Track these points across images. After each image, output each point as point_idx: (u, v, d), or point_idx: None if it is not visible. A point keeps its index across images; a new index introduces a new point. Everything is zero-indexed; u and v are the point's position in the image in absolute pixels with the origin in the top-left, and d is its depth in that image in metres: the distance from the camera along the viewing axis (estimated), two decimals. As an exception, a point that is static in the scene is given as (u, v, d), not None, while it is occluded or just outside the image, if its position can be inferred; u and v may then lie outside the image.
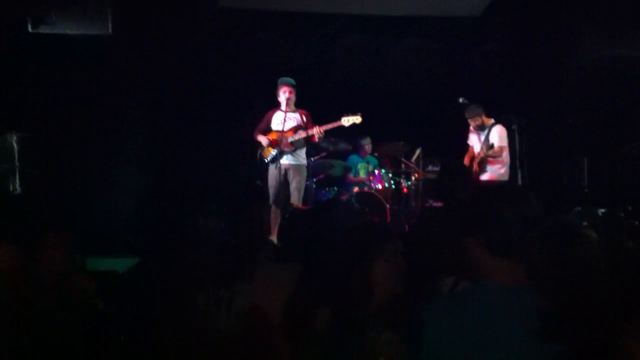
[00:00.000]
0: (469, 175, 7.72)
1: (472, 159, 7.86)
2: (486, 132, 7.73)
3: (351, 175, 9.13)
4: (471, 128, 7.97)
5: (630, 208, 6.82)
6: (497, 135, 7.65)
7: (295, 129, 7.58)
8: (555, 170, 8.81)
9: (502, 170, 7.68)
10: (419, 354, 2.17)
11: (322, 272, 2.85)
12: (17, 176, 7.05)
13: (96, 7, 5.86)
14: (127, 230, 7.78)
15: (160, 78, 8.81)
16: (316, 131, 7.46)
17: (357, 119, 7.62)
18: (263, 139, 7.60)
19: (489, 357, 2.04)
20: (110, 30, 5.93)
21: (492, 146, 7.58)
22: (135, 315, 2.96)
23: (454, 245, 2.57)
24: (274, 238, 7.06)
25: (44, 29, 5.88)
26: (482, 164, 7.67)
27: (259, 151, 7.76)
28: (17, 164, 7.07)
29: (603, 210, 6.34)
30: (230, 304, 2.99)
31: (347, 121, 7.60)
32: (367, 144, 9.22)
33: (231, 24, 8.97)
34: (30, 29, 5.85)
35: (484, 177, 7.63)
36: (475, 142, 7.88)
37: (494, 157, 7.60)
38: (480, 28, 9.27)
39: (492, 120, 7.81)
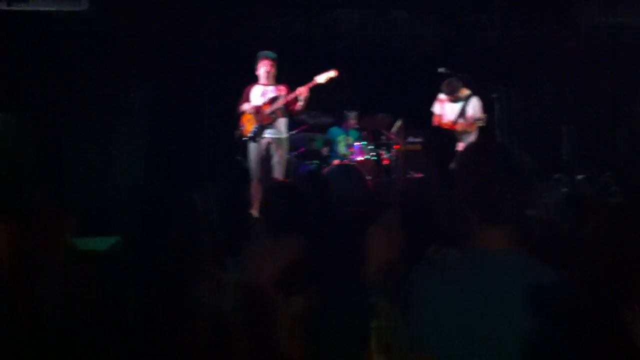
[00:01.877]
0: (455, 142, 7.72)
1: (441, 124, 7.91)
2: (462, 103, 7.76)
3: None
4: (440, 96, 7.98)
5: (609, 174, 6.90)
6: (479, 107, 7.70)
7: (272, 100, 7.53)
8: (534, 138, 8.86)
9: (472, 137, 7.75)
10: (412, 318, 2.17)
11: (307, 245, 2.86)
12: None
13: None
14: (110, 209, 7.77)
15: (139, 55, 8.73)
16: (299, 91, 7.38)
17: (332, 74, 7.52)
18: (247, 106, 7.55)
19: (480, 319, 2.06)
20: (87, 6, 5.84)
21: (480, 119, 7.60)
22: (120, 297, 2.96)
23: (441, 214, 2.59)
24: (255, 212, 7.10)
25: (18, 6, 5.79)
26: (458, 135, 7.71)
27: (239, 128, 7.73)
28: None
29: (581, 176, 6.41)
30: (217, 280, 3.00)
31: (322, 78, 7.52)
32: (352, 117, 9.21)
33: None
34: (5, 6, 5.76)
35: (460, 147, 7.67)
36: (447, 111, 7.90)
37: (470, 130, 7.65)
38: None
39: (469, 91, 7.84)
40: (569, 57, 8.69)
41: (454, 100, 7.82)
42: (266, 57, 7.60)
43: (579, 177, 6.41)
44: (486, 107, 7.81)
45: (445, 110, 7.94)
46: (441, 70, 7.89)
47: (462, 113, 7.74)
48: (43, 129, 7.66)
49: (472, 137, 7.70)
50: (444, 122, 7.87)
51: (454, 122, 7.75)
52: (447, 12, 9.41)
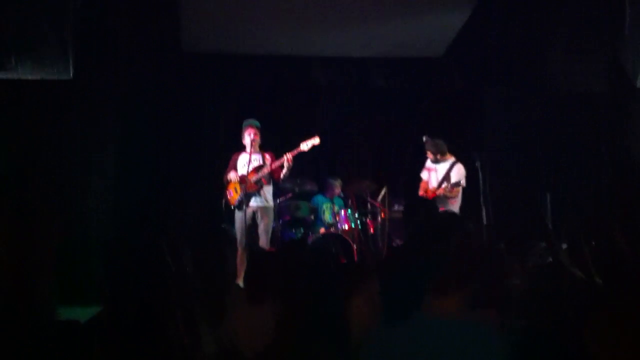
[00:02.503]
0: (434, 211, 7.76)
1: (426, 192, 7.95)
2: (447, 168, 7.83)
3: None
4: (427, 164, 8.07)
5: (594, 243, 6.89)
6: (462, 174, 7.77)
7: (257, 169, 7.56)
8: (518, 207, 8.89)
9: (456, 209, 7.77)
10: None
11: (289, 315, 2.82)
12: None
13: (57, 51, 5.82)
14: (91, 276, 7.65)
15: (124, 123, 8.77)
16: (285, 159, 7.44)
17: (315, 141, 7.62)
18: (232, 175, 7.57)
19: None
20: (71, 75, 5.87)
21: (458, 184, 7.66)
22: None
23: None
24: (240, 282, 7.01)
25: (3, 74, 5.82)
26: (440, 200, 7.74)
27: (225, 196, 7.73)
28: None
29: (566, 245, 6.40)
30: (198, 349, 2.93)
31: (306, 145, 7.60)
32: (337, 185, 9.16)
33: (195, 68, 9.00)
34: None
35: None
36: (431, 177, 7.97)
37: (452, 196, 7.69)
38: (442, 68, 9.43)
39: (453, 158, 7.92)
40: (549, 123, 8.82)
41: (437, 161, 7.91)
42: (251, 126, 7.67)
43: (564, 246, 6.40)
44: (470, 174, 7.86)
45: (432, 177, 8.00)
46: (425, 138, 7.97)
47: (446, 178, 7.80)
48: (25, 194, 7.59)
49: (455, 202, 7.74)
50: (430, 189, 7.91)
51: (438, 187, 7.81)
52: (429, 81, 9.59)
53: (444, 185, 7.78)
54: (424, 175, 8.14)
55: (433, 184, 7.93)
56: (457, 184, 7.67)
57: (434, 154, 7.94)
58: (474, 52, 9.13)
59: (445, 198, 7.73)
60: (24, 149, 7.44)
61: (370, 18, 8.16)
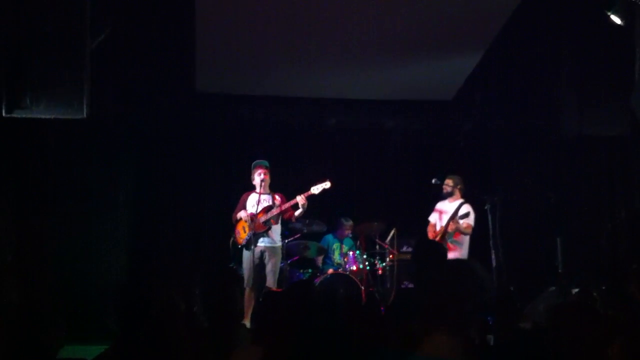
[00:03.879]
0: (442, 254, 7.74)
1: (434, 233, 7.95)
2: (455, 208, 7.83)
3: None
4: (437, 206, 8.08)
5: (604, 288, 6.84)
6: (467, 212, 7.77)
7: (266, 209, 7.59)
8: (528, 250, 8.86)
9: (464, 251, 7.75)
10: None
11: (296, 356, 2.80)
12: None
13: (72, 91, 5.88)
14: (100, 314, 7.65)
15: (138, 163, 8.86)
16: (299, 199, 7.48)
17: (326, 185, 7.66)
18: (242, 214, 7.59)
19: None
20: (85, 115, 5.93)
21: (467, 214, 7.66)
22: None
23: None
24: (247, 322, 6.98)
25: (18, 113, 5.88)
26: (447, 240, 7.72)
27: (233, 235, 7.74)
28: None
29: (577, 290, 6.36)
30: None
31: (317, 189, 7.64)
32: (348, 226, 9.15)
33: (209, 107, 9.09)
34: (3, 113, 5.83)
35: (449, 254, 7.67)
36: (442, 218, 7.97)
37: (462, 231, 7.68)
38: (452, 111, 9.48)
39: (462, 199, 7.93)
40: (560, 167, 8.83)
41: (450, 194, 7.93)
42: (260, 166, 7.72)
43: (574, 290, 6.37)
44: (479, 217, 7.85)
45: (442, 219, 8.00)
46: (434, 181, 7.98)
47: (453, 217, 7.80)
48: (39, 233, 7.66)
49: (462, 239, 7.72)
50: (438, 231, 7.90)
51: (446, 226, 7.80)
52: (440, 124, 9.63)
53: (452, 222, 7.77)
54: (432, 218, 8.14)
55: (442, 224, 7.91)
56: (466, 215, 7.66)
57: (452, 187, 7.95)
58: (484, 95, 9.18)
59: (453, 235, 7.71)
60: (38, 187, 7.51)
61: (381, 62, 8.23)
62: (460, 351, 2.13)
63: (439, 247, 6.85)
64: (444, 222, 7.94)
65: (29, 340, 3.27)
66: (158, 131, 9.08)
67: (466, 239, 7.79)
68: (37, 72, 5.85)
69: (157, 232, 9.16)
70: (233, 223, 7.74)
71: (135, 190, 8.76)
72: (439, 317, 2.14)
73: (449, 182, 8.01)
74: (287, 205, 7.58)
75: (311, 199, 7.64)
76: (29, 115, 5.90)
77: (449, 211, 7.94)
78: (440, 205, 8.12)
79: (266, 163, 7.78)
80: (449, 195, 8.02)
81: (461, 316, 2.14)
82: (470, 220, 7.76)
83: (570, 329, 2.45)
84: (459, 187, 8.00)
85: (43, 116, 5.93)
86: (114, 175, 8.44)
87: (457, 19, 7.23)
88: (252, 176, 7.75)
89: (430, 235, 8.02)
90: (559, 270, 8.26)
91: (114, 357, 3.71)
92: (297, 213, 7.63)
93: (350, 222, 9.15)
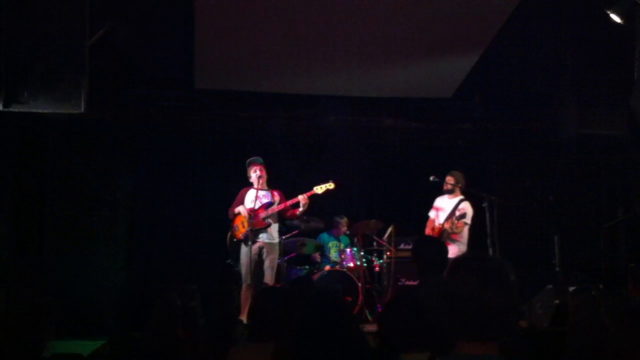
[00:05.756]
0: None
1: (433, 230, 7.95)
2: (454, 205, 7.84)
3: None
4: (435, 203, 8.08)
5: (601, 286, 6.86)
6: (469, 210, 7.77)
7: (266, 206, 7.59)
8: (526, 249, 8.86)
9: (463, 248, 7.75)
10: None
11: (293, 352, 2.80)
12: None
13: (70, 86, 5.88)
14: (98, 311, 7.67)
15: (136, 158, 8.85)
16: (300, 199, 7.49)
17: (330, 185, 7.67)
18: (242, 209, 7.60)
19: None
20: (83, 109, 5.92)
21: (463, 215, 7.66)
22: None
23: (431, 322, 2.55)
24: (244, 317, 6.98)
25: (16, 107, 5.87)
26: (445, 238, 7.73)
27: (231, 231, 7.74)
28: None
29: (574, 288, 6.37)
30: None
31: (320, 189, 7.64)
32: (343, 223, 9.19)
33: (207, 105, 9.07)
34: (1, 107, 5.83)
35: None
36: (439, 216, 7.98)
37: (455, 230, 7.68)
38: (451, 109, 9.47)
39: (461, 196, 7.93)
40: (558, 166, 8.83)
41: (451, 192, 7.93)
42: (255, 163, 7.72)
43: (571, 288, 6.37)
44: (477, 215, 7.85)
45: (439, 216, 8.01)
46: (432, 178, 7.98)
47: (452, 214, 7.81)
48: (36, 227, 7.66)
49: (459, 237, 7.72)
50: (436, 227, 7.91)
51: (443, 223, 7.81)
52: (438, 121, 9.61)
53: (449, 220, 7.78)
54: (431, 214, 8.15)
55: (440, 221, 7.92)
56: (462, 216, 7.67)
57: (452, 185, 7.95)
58: (483, 93, 9.18)
59: (450, 232, 7.72)
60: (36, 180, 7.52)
61: (380, 59, 8.22)
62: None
63: (441, 245, 6.87)
64: (441, 219, 7.95)
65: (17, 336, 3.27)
66: (155, 128, 9.08)
67: (465, 237, 7.80)
68: (36, 66, 5.85)
69: (154, 229, 9.17)
70: (230, 218, 7.74)
71: (130, 186, 8.75)
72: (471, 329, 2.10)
73: (449, 180, 8.01)
74: (288, 203, 7.58)
75: (312, 197, 7.64)
76: (27, 110, 5.91)
77: (446, 208, 7.95)
78: (439, 202, 8.12)
79: (260, 160, 7.78)
80: (449, 192, 8.03)
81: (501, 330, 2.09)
82: (467, 219, 7.76)
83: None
84: (459, 185, 8.00)
85: (41, 110, 5.93)
86: (109, 172, 8.43)
87: (457, 18, 7.22)
88: (248, 174, 7.75)
89: (428, 231, 8.03)
90: (556, 269, 8.28)
91: (110, 353, 3.71)
92: (296, 212, 7.64)
93: (345, 219, 9.17)
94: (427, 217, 8.20)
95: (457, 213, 7.75)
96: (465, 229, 7.79)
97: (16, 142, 7.32)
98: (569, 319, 4.37)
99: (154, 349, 3.42)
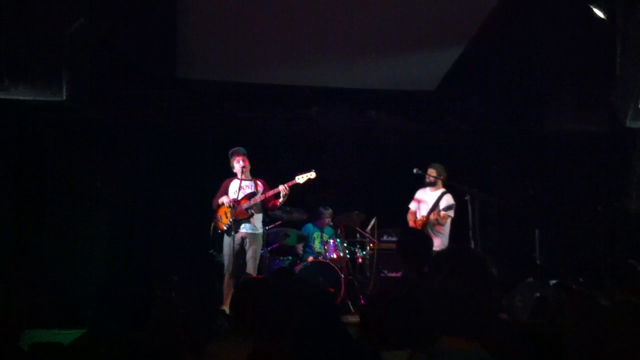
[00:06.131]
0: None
1: (415, 222, 7.98)
2: (436, 198, 7.87)
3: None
4: (416, 195, 8.10)
5: (581, 279, 6.90)
6: (451, 203, 7.80)
7: (249, 196, 7.58)
8: (507, 242, 8.90)
9: (445, 240, 7.78)
10: None
11: (275, 342, 2.79)
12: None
13: (50, 73, 5.81)
14: (78, 301, 7.61)
15: (117, 147, 8.78)
16: (281, 189, 7.46)
17: (312, 175, 7.64)
18: (225, 199, 7.57)
19: None
20: (64, 97, 5.86)
21: (451, 207, 7.69)
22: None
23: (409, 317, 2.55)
24: (226, 308, 6.97)
25: (-4, 94, 5.80)
26: (428, 230, 7.76)
27: (214, 221, 7.71)
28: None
29: (554, 281, 6.41)
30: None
31: (302, 178, 7.62)
32: (327, 215, 9.19)
33: (188, 93, 9.03)
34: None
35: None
36: (421, 207, 8.01)
37: (440, 222, 7.71)
38: (434, 102, 9.48)
39: (443, 189, 7.97)
40: (540, 160, 8.86)
41: (433, 184, 7.96)
42: (238, 153, 7.72)
43: (552, 281, 6.41)
44: (459, 208, 7.87)
45: (421, 208, 8.03)
46: (415, 170, 7.99)
47: (435, 207, 7.84)
48: (15, 218, 7.59)
49: (442, 229, 7.75)
50: (419, 219, 7.94)
51: (427, 215, 7.83)
52: (422, 114, 9.62)
53: (434, 212, 7.81)
54: (412, 205, 8.17)
55: (422, 213, 7.95)
56: (450, 207, 7.70)
57: (435, 177, 7.97)
58: (466, 87, 9.19)
59: (434, 224, 7.75)
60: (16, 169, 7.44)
61: (365, 51, 8.20)
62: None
63: (427, 238, 6.91)
64: (423, 212, 7.97)
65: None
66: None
67: (447, 229, 7.83)
68: (15, 53, 5.78)
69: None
70: (214, 209, 7.72)
71: (111, 177, 8.68)
72: (455, 324, 2.10)
73: (431, 172, 8.03)
74: (270, 193, 7.56)
75: (294, 187, 7.62)
76: (7, 96, 5.83)
77: (428, 201, 7.98)
78: (420, 194, 8.15)
79: (243, 150, 7.77)
80: (431, 184, 8.05)
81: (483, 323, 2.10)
82: (451, 212, 7.80)
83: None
84: (441, 177, 8.03)
85: (21, 97, 5.86)
86: (89, 160, 8.36)
87: (440, 11, 7.22)
88: (231, 164, 7.74)
89: (411, 223, 8.06)
90: (537, 262, 8.33)
91: (90, 342, 3.69)
92: (277, 202, 7.63)
93: (330, 211, 9.17)
94: (409, 209, 8.22)
95: (444, 204, 7.77)
96: (448, 222, 7.83)
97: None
98: (548, 313, 4.40)
99: (131, 337, 3.40)
